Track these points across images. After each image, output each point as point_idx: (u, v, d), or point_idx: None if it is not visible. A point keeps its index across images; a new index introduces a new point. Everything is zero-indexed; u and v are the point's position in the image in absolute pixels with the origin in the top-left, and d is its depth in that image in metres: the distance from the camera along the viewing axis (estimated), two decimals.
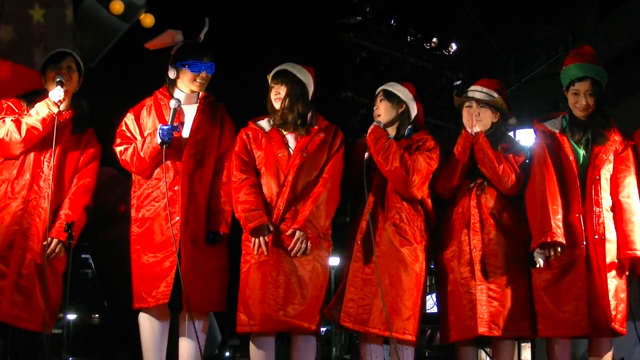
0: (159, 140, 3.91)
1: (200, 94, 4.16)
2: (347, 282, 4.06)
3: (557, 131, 4.15)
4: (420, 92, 4.57)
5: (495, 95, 4.22)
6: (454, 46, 11.82)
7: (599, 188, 4.02)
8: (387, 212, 4.11)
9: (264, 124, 4.14)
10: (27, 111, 4.05)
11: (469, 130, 4.17)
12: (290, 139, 4.08)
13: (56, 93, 3.96)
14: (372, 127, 4.16)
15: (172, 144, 3.94)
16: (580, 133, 4.12)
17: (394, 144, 4.06)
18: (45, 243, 3.92)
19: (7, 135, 3.95)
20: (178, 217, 3.91)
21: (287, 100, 4.06)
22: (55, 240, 3.96)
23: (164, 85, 4.18)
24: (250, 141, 4.09)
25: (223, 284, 4.07)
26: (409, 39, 11.53)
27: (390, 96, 4.22)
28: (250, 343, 3.99)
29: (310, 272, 3.95)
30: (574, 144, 4.11)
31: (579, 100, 4.12)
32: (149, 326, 3.98)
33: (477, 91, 4.26)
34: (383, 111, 4.21)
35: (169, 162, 3.97)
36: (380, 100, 4.23)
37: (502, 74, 12.26)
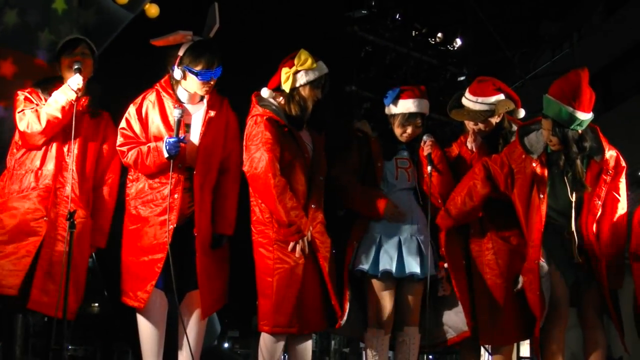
0: (166, 155, 3.83)
1: None
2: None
3: (539, 152, 3.90)
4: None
5: (489, 101, 4.10)
6: (458, 41, 11.77)
7: (594, 239, 3.86)
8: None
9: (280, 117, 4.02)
10: (45, 100, 4.02)
11: (468, 146, 4.22)
12: (306, 137, 4.08)
13: (75, 80, 3.93)
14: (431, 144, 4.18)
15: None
16: (560, 166, 3.87)
17: None
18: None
19: (27, 127, 3.93)
20: (172, 226, 3.83)
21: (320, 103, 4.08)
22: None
23: (165, 77, 4.10)
24: (279, 135, 3.94)
25: (225, 279, 4.08)
26: (413, 34, 11.48)
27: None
28: (266, 335, 3.92)
29: (333, 269, 4.00)
30: (555, 179, 3.88)
31: (546, 136, 3.86)
32: (146, 317, 3.98)
33: (469, 100, 4.17)
34: (412, 134, 4.28)
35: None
36: (417, 127, 4.27)
37: (507, 70, 12.23)
